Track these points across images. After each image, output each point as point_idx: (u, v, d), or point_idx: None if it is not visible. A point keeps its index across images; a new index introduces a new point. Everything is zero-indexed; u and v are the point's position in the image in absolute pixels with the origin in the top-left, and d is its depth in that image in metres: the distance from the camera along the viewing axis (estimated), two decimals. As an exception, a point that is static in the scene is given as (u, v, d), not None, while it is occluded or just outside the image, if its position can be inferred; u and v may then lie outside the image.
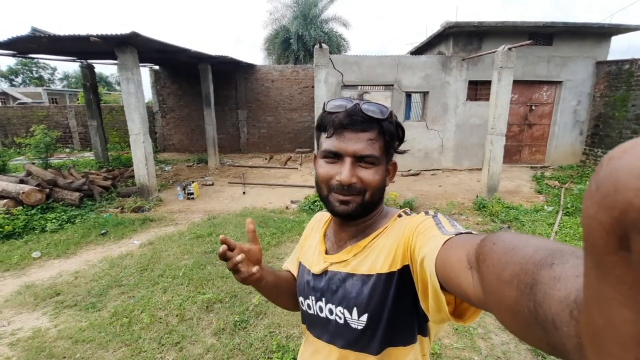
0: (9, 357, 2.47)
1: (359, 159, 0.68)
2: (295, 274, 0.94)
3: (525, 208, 5.56)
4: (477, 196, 6.18)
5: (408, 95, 8.68)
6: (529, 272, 0.31)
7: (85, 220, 5.00)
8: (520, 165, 8.84)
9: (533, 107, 8.75)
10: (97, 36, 4.74)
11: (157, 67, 11.21)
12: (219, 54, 8.55)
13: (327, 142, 0.70)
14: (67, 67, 44.07)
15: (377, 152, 0.68)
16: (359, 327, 0.70)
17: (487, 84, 8.35)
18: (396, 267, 0.66)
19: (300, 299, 0.83)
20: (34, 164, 6.66)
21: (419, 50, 10.61)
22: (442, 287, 0.50)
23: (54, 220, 4.75)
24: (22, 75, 32.59)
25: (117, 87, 38.76)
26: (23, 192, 4.78)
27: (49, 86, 30.64)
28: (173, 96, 11.62)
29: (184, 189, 6.59)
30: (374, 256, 0.70)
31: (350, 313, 0.71)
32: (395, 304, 0.67)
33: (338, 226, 0.79)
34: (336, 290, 0.74)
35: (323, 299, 0.76)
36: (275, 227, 4.80)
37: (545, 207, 5.60)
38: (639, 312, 0.17)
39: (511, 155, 8.68)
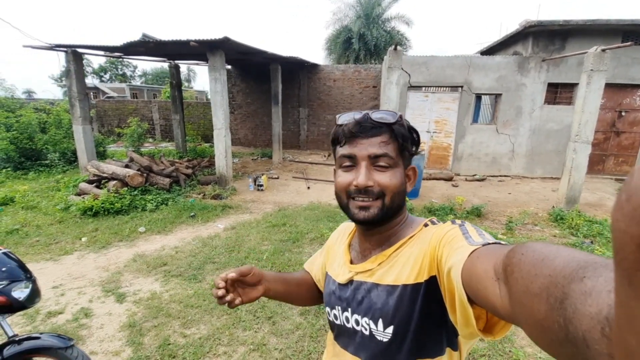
0: (135, 312, 2.97)
1: (374, 161, 0.68)
2: (314, 276, 0.96)
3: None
4: (553, 207, 5.85)
5: (478, 97, 8.38)
6: (559, 286, 0.30)
7: (176, 203, 5.68)
8: (603, 177, 8.11)
9: (623, 113, 7.96)
10: (195, 41, 5.36)
11: (229, 67, 12.07)
12: (289, 54, 9.00)
13: (342, 150, 0.72)
14: (146, 65, 48.89)
15: (392, 152, 0.68)
16: (385, 340, 0.68)
17: (569, 86, 7.80)
18: (423, 278, 0.64)
19: (327, 309, 0.82)
20: (134, 151, 7.63)
21: (491, 50, 10.15)
22: (470, 300, 0.49)
23: (152, 201, 5.48)
24: (109, 72, 36.95)
25: (186, 84, 41.99)
26: (128, 176, 5.56)
27: (131, 82, 34.40)
28: (242, 94, 12.42)
29: (255, 181, 7.09)
30: (399, 266, 0.68)
31: (376, 324, 0.69)
32: (423, 316, 0.64)
33: (362, 236, 0.78)
34: (362, 301, 0.72)
35: (349, 309, 0.75)
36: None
37: (636, 223, 5.12)
38: None
39: (593, 165, 7.98)
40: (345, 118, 0.72)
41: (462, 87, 8.09)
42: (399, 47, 5.64)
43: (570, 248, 0.35)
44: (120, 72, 37.81)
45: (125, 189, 5.57)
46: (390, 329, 0.67)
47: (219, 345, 2.53)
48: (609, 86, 7.29)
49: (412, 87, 8.36)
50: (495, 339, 0.55)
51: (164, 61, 9.31)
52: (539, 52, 7.73)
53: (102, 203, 5.17)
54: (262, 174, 7.50)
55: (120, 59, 36.25)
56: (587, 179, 6.91)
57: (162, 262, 3.81)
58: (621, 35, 7.35)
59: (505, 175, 8.41)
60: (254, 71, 11.68)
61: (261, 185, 6.99)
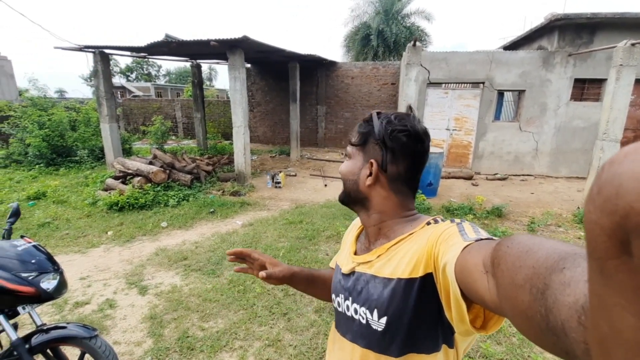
0: (157, 304, 3.10)
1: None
2: None
3: None
4: (578, 208, 5.63)
5: (500, 93, 8.14)
6: (540, 277, 0.30)
7: (197, 199, 5.84)
8: (635, 177, 7.71)
9: (656, 110, 7.53)
10: (216, 40, 5.48)
11: (248, 65, 12.23)
12: (307, 52, 9.02)
13: None
14: (170, 65, 50.28)
15: (352, 147, 0.79)
16: (379, 329, 0.71)
17: (597, 82, 7.47)
18: (418, 274, 0.66)
19: (333, 296, 0.88)
20: (158, 148, 7.89)
21: (514, 45, 9.82)
22: (465, 296, 0.50)
23: (174, 197, 5.66)
24: (135, 72, 38.22)
25: (207, 83, 42.83)
26: (152, 172, 5.77)
27: (155, 81, 35.49)
28: (261, 92, 12.56)
29: (272, 178, 7.18)
30: (396, 260, 0.71)
31: (372, 314, 0.72)
32: (416, 311, 0.66)
33: (364, 229, 0.85)
34: (361, 291, 0.76)
35: (350, 298, 0.80)
36: (359, 220, 5.04)
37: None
38: None
39: (623, 164, 7.61)
40: None
41: (483, 83, 7.88)
42: (418, 43, 5.55)
43: (554, 240, 0.35)
44: (146, 72, 39.04)
45: (149, 185, 5.78)
46: (384, 320, 0.70)
47: (236, 340, 2.60)
48: (638, 82, 6.94)
49: (432, 84, 8.21)
50: (488, 334, 0.57)
51: (186, 61, 9.54)
52: (565, 46, 7.42)
53: (127, 198, 5.38)
54: (280, 172, 7.59)
55: (146, 59, 37.56)
56: (616, 179, 6.60)
57: (183, 256, 3.95)
58: (654, 28, 6.95)
59: (528, 175, 8.15)
60: (272, 69, 11.79)
61: (279, 183, 7.08)
